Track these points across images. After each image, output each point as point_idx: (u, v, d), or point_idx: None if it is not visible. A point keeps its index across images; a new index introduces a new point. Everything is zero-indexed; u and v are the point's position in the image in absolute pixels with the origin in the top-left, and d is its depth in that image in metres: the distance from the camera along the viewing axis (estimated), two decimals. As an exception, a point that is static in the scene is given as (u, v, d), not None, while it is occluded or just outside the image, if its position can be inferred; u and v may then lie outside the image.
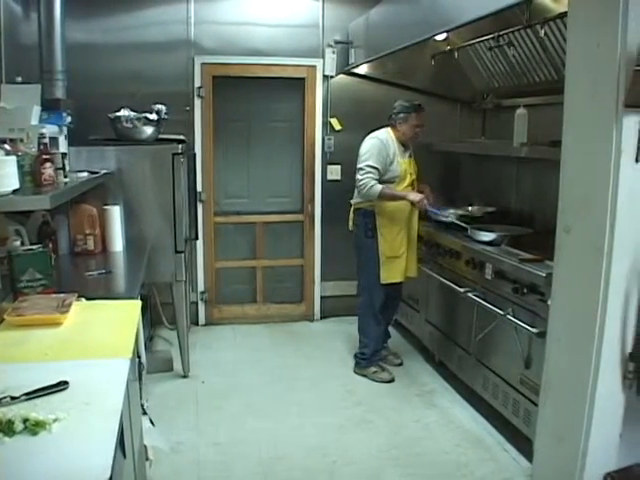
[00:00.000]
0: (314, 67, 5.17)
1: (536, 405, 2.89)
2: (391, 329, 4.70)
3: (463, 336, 3.92)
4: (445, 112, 5.38)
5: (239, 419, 3.67)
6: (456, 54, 4.49)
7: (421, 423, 3.64)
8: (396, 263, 4.09)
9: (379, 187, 3.88)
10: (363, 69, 5.12)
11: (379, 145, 3.95)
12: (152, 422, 3.10)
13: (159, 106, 4.12)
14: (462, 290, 3.76)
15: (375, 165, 3.91)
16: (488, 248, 3.62)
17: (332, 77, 5.19)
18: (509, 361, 3.36)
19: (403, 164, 4.02)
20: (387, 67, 5.02)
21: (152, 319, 4.86)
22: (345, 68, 5.13)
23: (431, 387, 4.12)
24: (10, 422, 1.46)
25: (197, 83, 4.97)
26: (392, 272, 4.09)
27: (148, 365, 2.90)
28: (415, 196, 3.94)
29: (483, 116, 5.25)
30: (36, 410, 1.53)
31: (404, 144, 4.07)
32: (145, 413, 2.91)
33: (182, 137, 4.40)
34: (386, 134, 4.03)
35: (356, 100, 5.17)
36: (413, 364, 4.51)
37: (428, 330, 4.48)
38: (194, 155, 4.89)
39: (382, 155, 3.93)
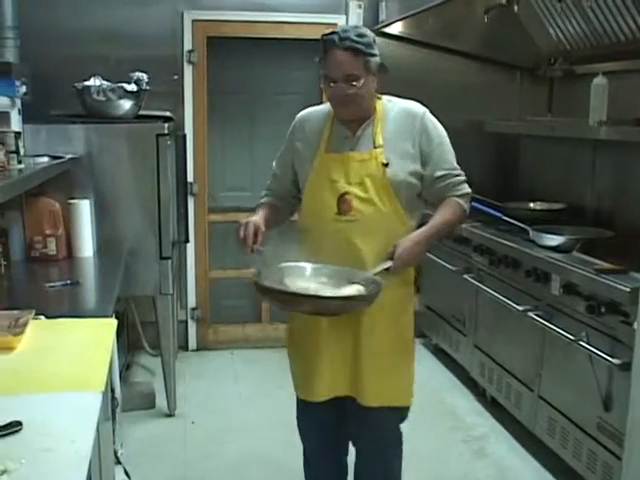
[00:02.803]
0: (335, 26, 5.15)
1: (619, 458, 2.84)
2: (431, 356, 4.65)
3: (522, 367, 3.88)
4: (501, 82, 5.35)
5: (238, 470, 3.65)
6: (516, 7, 4.46)
7: (469, 478, 3.61)
8: (315, 370, 2.77)
9: (260, 201, 2.89)
10: (397, 28, 5.11)
11: (290, 128, 2.90)
12: (127, 474, 3.10)
13: (139, 74, 4.12)
14: (521, 308, 3.71)
15: (274, 165, 2.93)
16: (555, 255, 3.57)
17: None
18: (583, 400, 3.30)
19: (325, 161, 2.68)
20: (427, 25, 5.00)
21: (129, 342, 4.86)
22: (374, 27, 5.10)
23: (481, 431, 4.09)
24: (-55, 475, 1.45)
25: (187, 45, 4.98)
26: (309, 382, 2.81)
27: (124, 401, 2.91)
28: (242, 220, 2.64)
29: (550, 87, 5.20)
30: (-20, 459, 1.51)
31: (351, 120, 2.69)
32: (119, 462, 2.91)
33: (169, 114, 4.41)
34: (323, 106, 2.85)
35: (389, 67, 5.15)
36: (458, 401, 4.48)
37: (477, 358, 4.45)
38: (184, 137, 4.89)
39: (286, 145, 2.88)
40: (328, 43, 2.56)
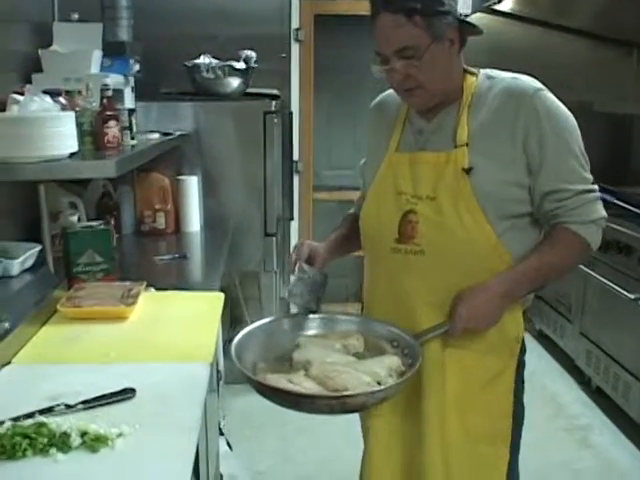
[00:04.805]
0: (444, 3, 5.08)
1: None
2: (534, 342, 4.57)
3: (632, 357, 3.78)
4: (613, 60, 5.18)
5: (336, 446, 3.68)
6: (635, -19, 4.31)
7: (570, 468, 3.55)
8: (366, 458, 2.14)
9: (349, 211, 2.29)
10: (507, 5, 5.00)
11: (368, 115, 2.17)
12: (229, 445, 3.16)
13: (247, 52, 4.15)
14: (632, 296, 3.64)
15: (362, 164, 2.20)
16: (671, 242, 3.47)
17: (467, 16, 5.09)
18: (696, 393, 3.20)
19: (394, 163, 1.94)
20: (539, 2, 4.88)
21: (232, 317, 4.94)
22: (484, 4, 5.00)
23: (585, 421, 4.01)
24: (65, 435, 1.50)
25: (295, 24, 4.98)
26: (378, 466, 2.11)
27: (226, 374, 2.95)
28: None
29: (669, 66, 5.02)
30: (96, 422, 1.56)
31: (426, 109, 1.91)
32: (222, 434, 2.97)
33: (276, 92, 4.43)
34: None
35: (498, 47, 5.02)
36: (561, 389, 4.40)
37: (583, 346, 4.35)
38: (290, 114, 4.90)
39: (369, 137, 2.13)
40: (372, 4, 1.79)
